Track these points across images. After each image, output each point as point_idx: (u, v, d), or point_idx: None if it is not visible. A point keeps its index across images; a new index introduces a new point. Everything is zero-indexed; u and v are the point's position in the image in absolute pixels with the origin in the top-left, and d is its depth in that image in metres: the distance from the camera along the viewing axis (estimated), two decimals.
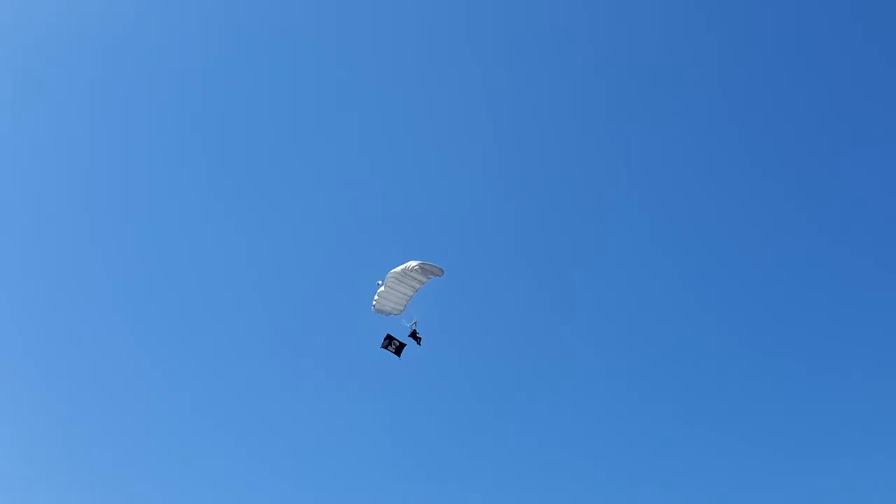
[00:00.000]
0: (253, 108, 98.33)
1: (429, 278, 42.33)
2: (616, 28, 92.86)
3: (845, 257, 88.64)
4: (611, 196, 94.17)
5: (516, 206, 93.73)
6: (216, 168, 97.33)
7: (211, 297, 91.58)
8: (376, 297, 43.21)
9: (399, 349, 43.74)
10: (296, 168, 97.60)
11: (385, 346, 43.88)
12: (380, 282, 42.75)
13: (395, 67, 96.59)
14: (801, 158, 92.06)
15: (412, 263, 41.32)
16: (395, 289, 42.72)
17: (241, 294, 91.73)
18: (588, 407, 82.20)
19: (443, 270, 41.76)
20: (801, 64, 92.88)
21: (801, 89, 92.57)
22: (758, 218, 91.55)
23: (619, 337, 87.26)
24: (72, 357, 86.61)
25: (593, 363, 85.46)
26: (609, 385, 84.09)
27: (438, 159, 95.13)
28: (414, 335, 44.11)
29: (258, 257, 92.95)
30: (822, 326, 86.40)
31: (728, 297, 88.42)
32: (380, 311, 43.61)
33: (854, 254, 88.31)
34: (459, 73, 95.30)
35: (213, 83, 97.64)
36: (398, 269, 41.87)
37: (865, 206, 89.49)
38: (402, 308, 43.30)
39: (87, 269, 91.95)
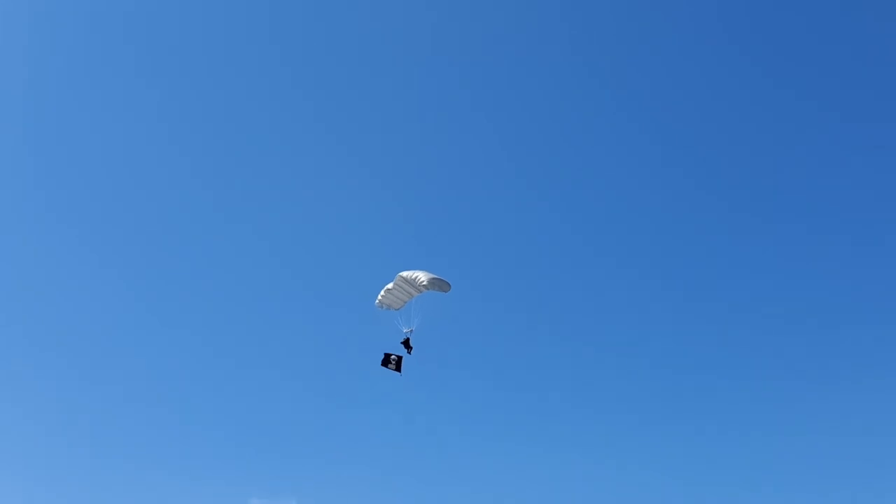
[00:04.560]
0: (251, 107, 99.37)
1: (425, 290, 43.13)
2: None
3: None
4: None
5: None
6: (215, 167, 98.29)
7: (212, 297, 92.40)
8: (382, 292, 44.37)
9: (398, 364, 44.36)
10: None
11: (384, 364, 44.56)
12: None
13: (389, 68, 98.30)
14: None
15: (422, 278, 41.98)
16: (402, 288, 43.86)
17: (239, 294, 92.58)
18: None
19: (450, 287, 42.42)
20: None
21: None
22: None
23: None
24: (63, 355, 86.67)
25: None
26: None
27: (436, 160, 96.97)
28: (406, 343, 44.80)
29: (256, 257, 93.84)
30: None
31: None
32: (381, 305, 44.63)
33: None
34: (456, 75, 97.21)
35: (211, 82, 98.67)
36: (408, 274, 42.57)
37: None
38: (400, 305, 44.40)
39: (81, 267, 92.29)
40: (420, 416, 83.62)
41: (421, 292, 43.43)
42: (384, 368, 44.35)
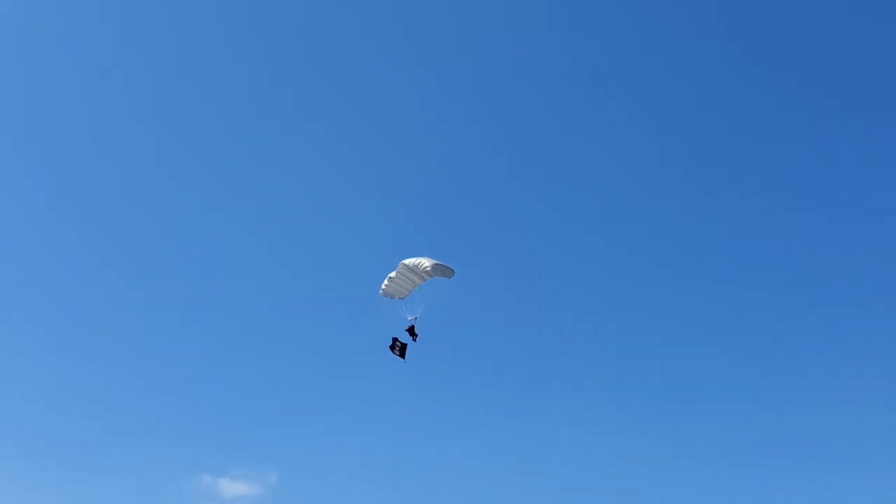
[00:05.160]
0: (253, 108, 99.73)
1: (429, 277, 43.25)
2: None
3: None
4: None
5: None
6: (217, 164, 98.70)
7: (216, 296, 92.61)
8: (386, 281, 44.18)
9: (403, 351, 44.47)
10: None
11: (392, 349, 44.65)
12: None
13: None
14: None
15: (426, 264, 42.18)
16: (405, 276, 43.65)
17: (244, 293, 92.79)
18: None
19: (454, 272, 42.55)
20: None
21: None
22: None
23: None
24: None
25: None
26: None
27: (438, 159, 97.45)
28: (411, 330, 44.94)
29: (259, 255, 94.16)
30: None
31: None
32: (386, 295, 44.49)
33: None
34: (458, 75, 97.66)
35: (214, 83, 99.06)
36: (411, 261, 42.80)
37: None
38: (406, 294, 44.23)
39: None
40: (417, 400, 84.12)
41: (425, 279, 43.36)
42: (390, 353, 44.57)
